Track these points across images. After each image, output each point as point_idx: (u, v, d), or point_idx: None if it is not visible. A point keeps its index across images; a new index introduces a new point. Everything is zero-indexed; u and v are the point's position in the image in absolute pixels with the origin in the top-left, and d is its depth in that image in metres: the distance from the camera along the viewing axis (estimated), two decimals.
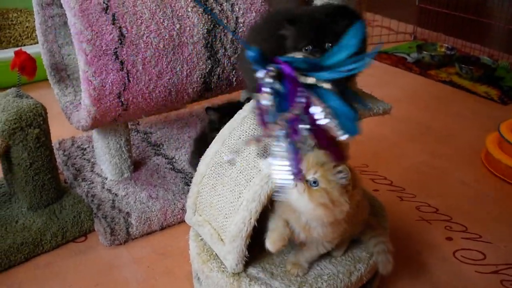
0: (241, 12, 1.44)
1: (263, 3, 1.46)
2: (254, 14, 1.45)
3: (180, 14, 1.35)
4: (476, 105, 2.26)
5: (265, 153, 0.97)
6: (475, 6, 2.91)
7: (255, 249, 1.05)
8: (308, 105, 0.66)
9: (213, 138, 1.12)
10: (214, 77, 1.45)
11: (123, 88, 1.31)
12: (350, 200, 0.92)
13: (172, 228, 1.46)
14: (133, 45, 1.28)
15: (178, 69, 1.37)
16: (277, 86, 0.65)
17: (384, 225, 1.22)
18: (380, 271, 1.13)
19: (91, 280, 1.27)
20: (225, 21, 1.40)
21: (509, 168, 1.67)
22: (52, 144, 1.40)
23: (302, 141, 0.67)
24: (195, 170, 1.14)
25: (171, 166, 1.62)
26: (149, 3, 1.31)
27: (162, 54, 1.33)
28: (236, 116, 1.12)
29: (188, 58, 1.37)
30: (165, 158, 1.67)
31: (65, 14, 1.26)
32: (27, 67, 1.40)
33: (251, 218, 0.99)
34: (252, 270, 1.06)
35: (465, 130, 2.03)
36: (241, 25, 1.43)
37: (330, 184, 0.90)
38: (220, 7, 1.41)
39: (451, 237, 1.44)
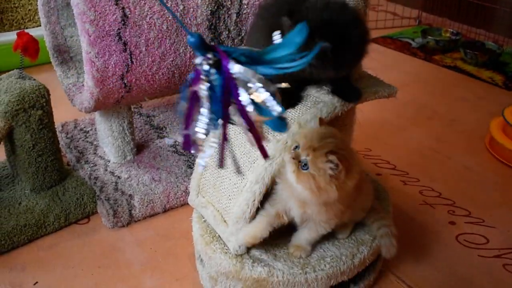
0: None
1: None
2: None
3: None
4: (480, 90, 2.24)
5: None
6: None
7: None
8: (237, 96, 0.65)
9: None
10: None
11: (126, 70, 1.30)
12: (342, 187, 0.92)
13: (175, 211, 1.46)
14: (136, 26, 1.27)
15: (181, 50, 1.36)
16: (213, 74, 0.64)
17: (388, 209, 1.22)
18: (383, 255, 1.13)
19: (94, 261, 1.28)
20: (229, 2, 1.38)
21: None
22: (55, 127, 1.40)
23: (264, 85, 0.65)
24: None
25: (174, 149, 1.62)
26: None
27: (166, 36, 1.32)
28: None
29: None
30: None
31: None
32: (30, 48, 1.39)
33: (254, 200, 0.99)
34: (255, 252, 1.06)
35: (469, 115, 2.02)
36: (245, 6, 1.41)
37: (319, 171, 0.90)
38: None
39: (454, 221, 1.43)
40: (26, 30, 1.46)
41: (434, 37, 2.69)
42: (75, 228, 1.40)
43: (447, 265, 1.28)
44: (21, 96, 1.29)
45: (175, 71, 1.38)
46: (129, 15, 1.26)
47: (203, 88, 0.64)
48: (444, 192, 1.55)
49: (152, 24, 1.29)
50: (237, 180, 1.02)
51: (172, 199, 1.44)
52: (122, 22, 1.25)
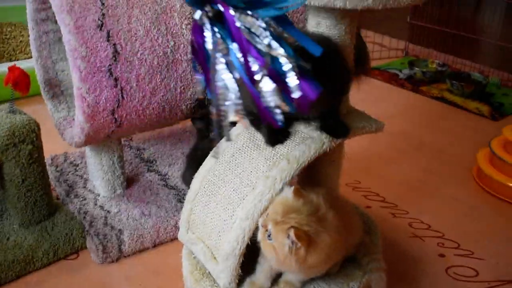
0: None
1: None
2: None
3: (174, 31, 1.35)
4: (467, 121, 2.28)
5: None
6: (465, 22, 2.95)
7: (248, 267, 1.04)
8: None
9: (204, 146, 1.12)
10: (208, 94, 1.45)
11: (117, 105, 1.31)
12: (303, 262, 0.92)
13: (165, 245, 1.45)
14: (127, 62, 1.29)
15: (172, 86, 1.37)
16: (216, 27, 0.64)
17: (377, 242, 1.22)
18: None
19: None
20: None
21: (500, 184, 1.68)
22: (45, 160, 1.40)
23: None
24: (188, 187, 1.14)
25: (164, 183, 1.62)
26: (143, 20, 1.32)
27: (156, 71, 1.33)
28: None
29: (182, 75, 1.38)
30: (158, 175, 1.66)
31: (60, 30, 1.27)
32: (21, 82, 1.40)
33: (244, 236, 0.99)
34: None
35: (456, 146, 2.05)
36: None
37: (279, 244, 0.91)
38: None
39: (443, 254, 1.44)
40: (17, 62, 1.47)
41: (420, 68, 2.74)
42: (64, 264, 1.38)
43: None
44: (11, 131, 1.29)
45: (166, 106, 1.39)
46: (120, 51, 1.28)
47: (208, 38, 0.64)
48: (433, 224, 1.56)
49: (143, 60, 1.31)
50: (226, 217, 1.03)
51: (162, 234, 1.43)
52: (114, 58, 1.27)
